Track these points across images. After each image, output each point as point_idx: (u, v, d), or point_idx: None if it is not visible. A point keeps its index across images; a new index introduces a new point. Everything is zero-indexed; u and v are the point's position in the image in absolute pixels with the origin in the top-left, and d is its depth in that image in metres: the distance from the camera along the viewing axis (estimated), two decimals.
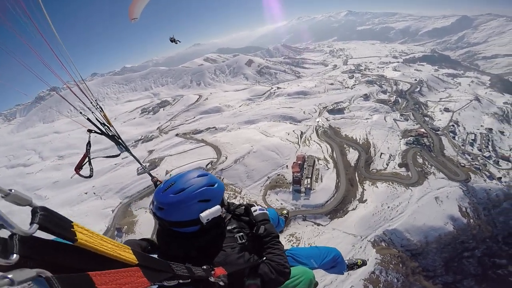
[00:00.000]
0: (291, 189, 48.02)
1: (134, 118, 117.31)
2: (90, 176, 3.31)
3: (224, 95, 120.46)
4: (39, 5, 2.61)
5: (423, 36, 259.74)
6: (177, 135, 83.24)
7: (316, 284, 2.83)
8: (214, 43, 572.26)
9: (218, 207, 2.08)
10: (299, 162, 51.36)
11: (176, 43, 8.71)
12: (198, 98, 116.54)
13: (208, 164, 59.45)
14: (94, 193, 64.79)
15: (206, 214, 1.99)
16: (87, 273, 0.86)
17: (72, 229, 0.93)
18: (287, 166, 53.60)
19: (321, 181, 49.38)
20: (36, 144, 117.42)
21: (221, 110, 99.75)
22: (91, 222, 53.59)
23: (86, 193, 65.68)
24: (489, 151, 56.21)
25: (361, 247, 38.62)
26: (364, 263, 4.59)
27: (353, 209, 44.91)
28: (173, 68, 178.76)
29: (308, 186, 47.25)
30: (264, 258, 2.19)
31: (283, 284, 2.16)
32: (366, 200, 45.99)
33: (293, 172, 48.98)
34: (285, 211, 5.36)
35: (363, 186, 49.21)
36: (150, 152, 76.86)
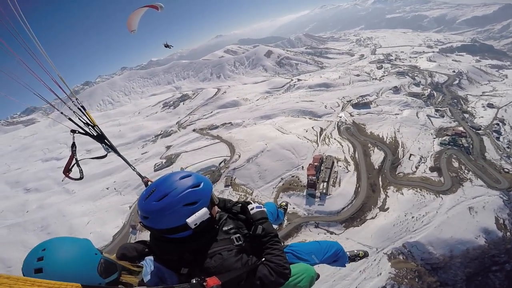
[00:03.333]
0: (305, 193, 45.01)
1: (156, 113, 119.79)
2: (81, 178, 3.23)
3: (242, 88, 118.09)
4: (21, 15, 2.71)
5: (461, 24, 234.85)
6: (194, 130, 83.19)
7: (318, 276, 2.85)
8: (235, 34, 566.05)
9: (205, 209, 2.00)
10: (315, 164, 47.89)
11: (170, 48, 9.34)
12: (217, 92, 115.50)
13: (221, 162, 58.19)
14: (115, 189, 66.96)
15: (193, 220, 1.92)
16: None
17: None
18: (302, 167, 50.40)
19: (339, 186, 45.61)
20: (67, 137, 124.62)
21: (238, 104, 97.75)
22: (110, 217, 55.59)
23: (107, 189, 68.06)
24: None
25: (375, 260, 35.27)
26: (366, 254, 4.45)
27: (372, 218, 40.88)
28: (194, 61, 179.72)
29: (324, 190, 43.83)
30: (263, 259, 2.11)
31: (283, 285, 2.08)
32: (388, 208, 41.59)
33: (308, 175, 45.78)
34: (284, 203, 5.31)
35: (386, 192, 44.58)
36: (168, 147, 77.66)
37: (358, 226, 40.34)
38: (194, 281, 1.65)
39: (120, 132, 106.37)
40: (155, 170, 66.72)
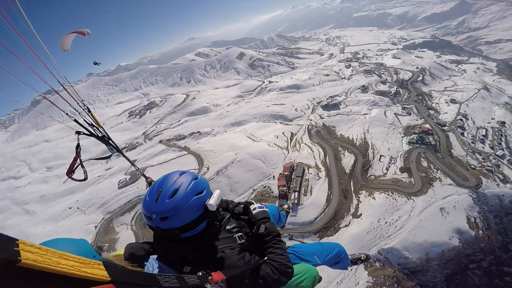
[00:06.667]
0: (277, 204, 42.55)
1: (122, 123, 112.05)
2: (85, 179, 3.21)
3: (213, 92, 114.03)
4: (19, 9, 2.71)
5: (422, 21, 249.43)
6: (160, 141, 77.95)
7: (320, 279, 2.81)
8: (209, 36, 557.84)
9: (219, 191, 2.08)
10: (285, 173, 45.73)
11: (98, 65, 8.26)
12: (185, 98, 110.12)
13: None
14: (78, 208, 62.10)
15: (214, 201, 1.98)
16: None
17: (16, 248, 0.74)
18: (274, 176, 48.12)
19: (311, 194, 43.83)
20: (26, 154, 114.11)
21: (208, 111, 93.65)
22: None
23: (70, 208, 63.18)
24: (503, 149, 49.63)
25: (351, 269, 33.98)
26: (367, 257, 4.52)
27: (346, 225, 39.72)
28: (162, 66, 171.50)
29: (296, 201, 41.75)
30: (266, 258, 2.11)
31: (286, 284, 2.09)
32: (360, 214, 40.56)
33: (278, 186, 43.48)
34: (286, 206, 5.16)
35: (359, 197, 43.58)
36: (133, 162, 72.02)
37: (332, 235, 39.11)
38: (200, 274, 1.64)
39: (83, 146, 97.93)
40: (119, 188, 61.57)
